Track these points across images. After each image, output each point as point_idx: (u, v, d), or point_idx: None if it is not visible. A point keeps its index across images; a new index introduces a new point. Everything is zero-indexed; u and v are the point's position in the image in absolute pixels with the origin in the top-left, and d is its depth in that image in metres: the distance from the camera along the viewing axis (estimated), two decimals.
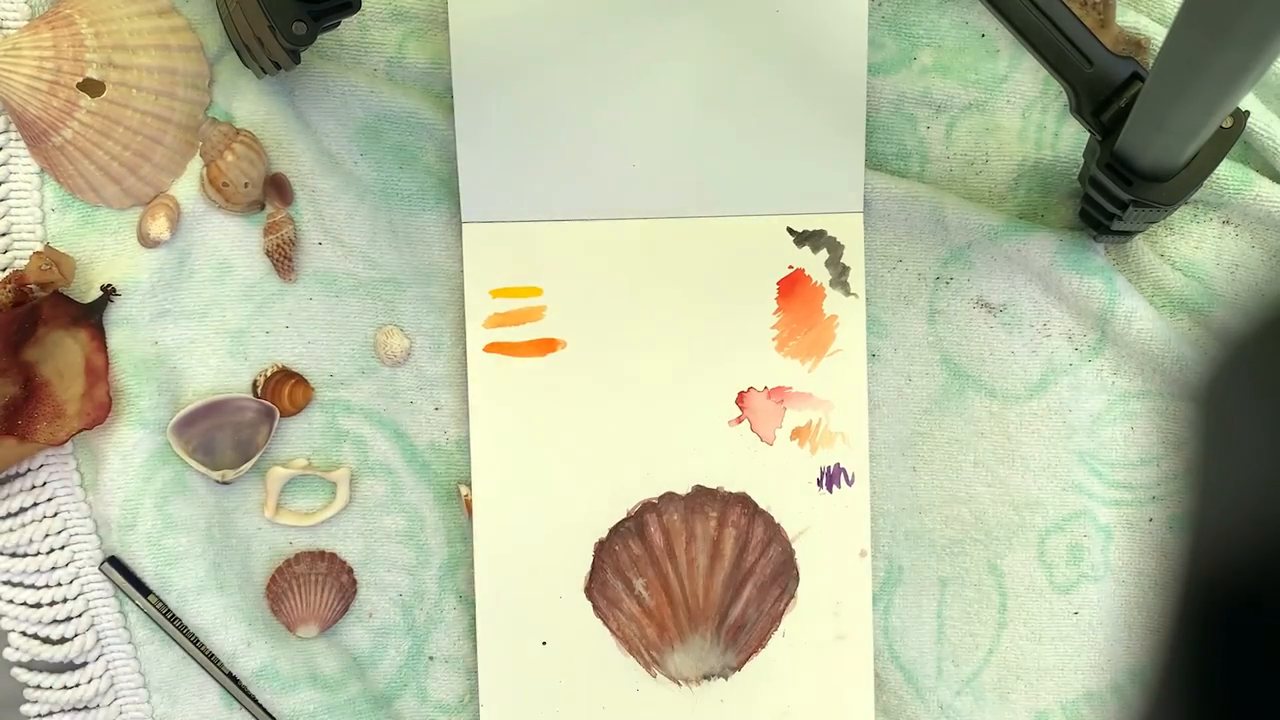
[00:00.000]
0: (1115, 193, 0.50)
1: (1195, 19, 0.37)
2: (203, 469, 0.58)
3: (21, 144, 0.58)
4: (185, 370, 0.59)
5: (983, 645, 0.60)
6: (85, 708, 0.59)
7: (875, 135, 0.59)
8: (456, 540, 0.60)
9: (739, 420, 0.59)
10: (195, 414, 0.58)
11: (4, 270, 0.58)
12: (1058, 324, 0.59)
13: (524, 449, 0.59)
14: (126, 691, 0.60)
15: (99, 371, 0.57)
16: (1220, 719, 0.20)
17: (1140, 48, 0.57)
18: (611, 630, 0.59)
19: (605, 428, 0.59)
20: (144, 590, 0.58)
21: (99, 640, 0.59)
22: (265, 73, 0.56)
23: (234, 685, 0.59)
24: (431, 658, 0.61)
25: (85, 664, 0.59)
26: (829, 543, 0.59)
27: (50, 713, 0.59)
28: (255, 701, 0.60)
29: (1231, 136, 0.49)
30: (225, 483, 0.59)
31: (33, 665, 0.59)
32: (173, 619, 0.59)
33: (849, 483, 0.59)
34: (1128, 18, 0.57)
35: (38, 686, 0.59)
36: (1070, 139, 0.58)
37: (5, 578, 0.59)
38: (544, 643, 0.59)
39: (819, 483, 0.59)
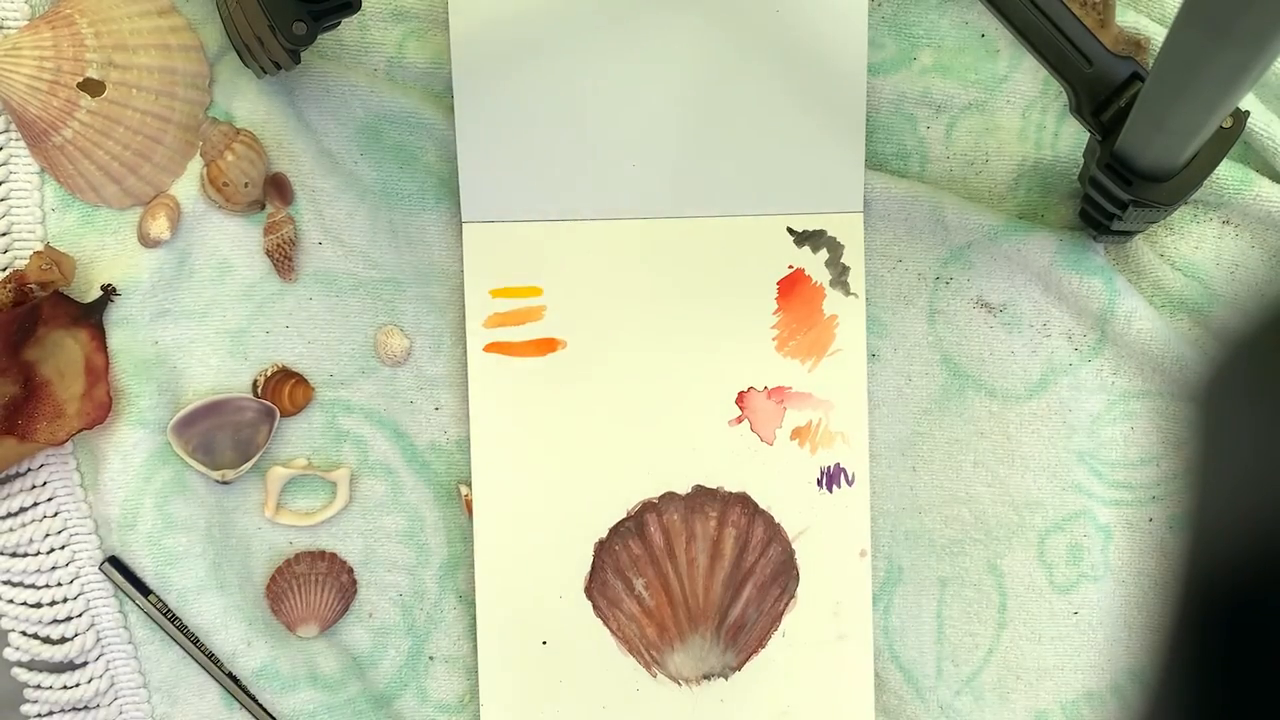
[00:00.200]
0: (1115, 193, 0.50)
1: (1195, 19, 0.37)
2: (203, 469, 0.58)
3: (21, 144, 0.58)
4: (185, 370, 0.59)
5: (982, 645, 0.60)
6: (85, 708, 0.59)
7: (875, 135, 0.59)
8: (456, 540, 0.60)
9: (739, 420, 0.59)
10: (195, 414, 0.58)
11: (4, 270, 0.58)
12: (1058, 324, 0.59)
13: (524, 449, 0.59)
14: (126, 691, 0.60)
15: (99, 371, 0.57)
16: (1220, 719, 0.20)
17: (1140, 48, 0.57)
18: (611, 630, 0.60)
19: (605, 427, 0.59)
20: (144, 590, 0.58)
21: (99, 640, 0.59)
22: (265, 73, 0.56)
23: (234, 685, 0.59)
24: (431, 658, 0.61)
25: (85, 664, 0.59)
26: (829, 543, 0.59)
27: (50, 712, 0.59)
28: (255, 701, 0.60)
29: (1231, 136, 0.49)
30: (225, 482, 0.59)
31: (33, 665, 0.59)
32: (173, 619, 0.59)
33: (849, 483, 0.59)
34: (1128, 18, 0.57)
35: (38, 686, 0.59)
36: (1070, 139, 0.58)
37: (5, 577, 0.59)
38: (544, 642, 0.59)
39: (819, 483, 0.59)
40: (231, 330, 0.59)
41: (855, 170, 0.58)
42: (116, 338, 0.58)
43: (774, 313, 0.59)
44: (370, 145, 0.58)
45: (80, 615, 0.59)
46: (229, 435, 0.58)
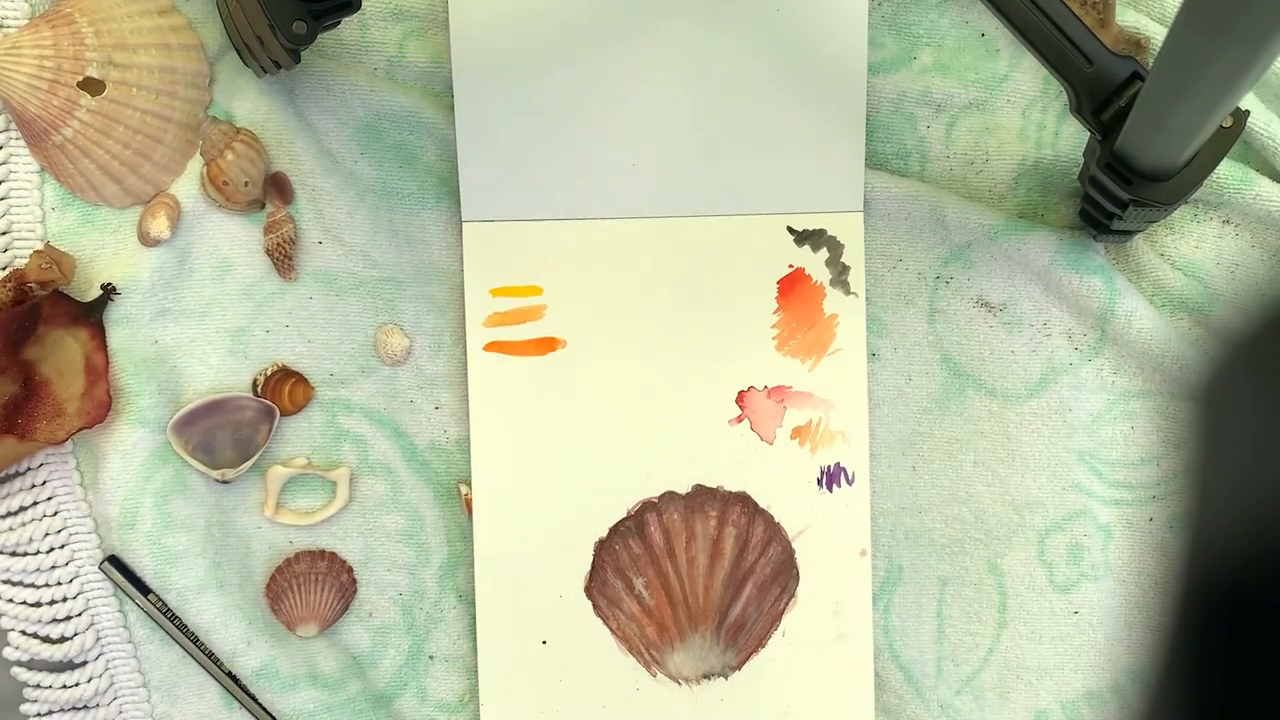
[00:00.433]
0: (1115, 192, 0.50)
1: (1195, 19, 0.37)
2: (203, 468, 0.58)
3: (21, 143, 0.58)
4: (185, 369, 0.59)
5: (982, 645, 0.60)
6: (85, 707, 0.59)
7: (875, 135, 0.59)
8: (456, 540, 0.60)
9: (739, 419, 0.59)
10: (195, 413, 0.58)
11: (4, 269, 0.58)
12: (1058, 323, 0.59)
13: (524, 448, 0.59)
14: (126, 691, 0.60)
15: (99, 370, 0.57)
16: (1220, 719, 0.20)
17: (1140, 47, 0.57)
18: (611, 630, 0.60)
19: (605, 427, 0.59)
20: (144, 589, 0.58)
21: (99, 639, 0.59)
22: (265, 72, 0.56)
23: (234, 684, 0.59)
24: (431, 657, 0.61)
25: (85, 663, 0.59)
26: (829, 542, 0.59)
27: (50, 712, 0.59)
28: (255, 701, 0.60)
29: (1231, 136, 0.49)
30: (225, 482, 0.59)
31: (32, 664, 0.59)
32: (172, 618, 0.59)
33: (849, 482, 0.59)
34: (1128, 17, 0.57)
35: (37, 686, 0.59)
36: (1070, 139, 0.58)
37: (5, 577, 0.59)
38: (544, 642, 0.59)
39: (819, 482, 0.59)
40: (231, 329, 0.59)
41: (855, 170, 0.58)
42: (116, 337, 0.58)
43: (774, 312, 0.59)
44: (370, 144, 0.58)
45: (80, 614, 0.59)
46: (229, 434, 0.58)
